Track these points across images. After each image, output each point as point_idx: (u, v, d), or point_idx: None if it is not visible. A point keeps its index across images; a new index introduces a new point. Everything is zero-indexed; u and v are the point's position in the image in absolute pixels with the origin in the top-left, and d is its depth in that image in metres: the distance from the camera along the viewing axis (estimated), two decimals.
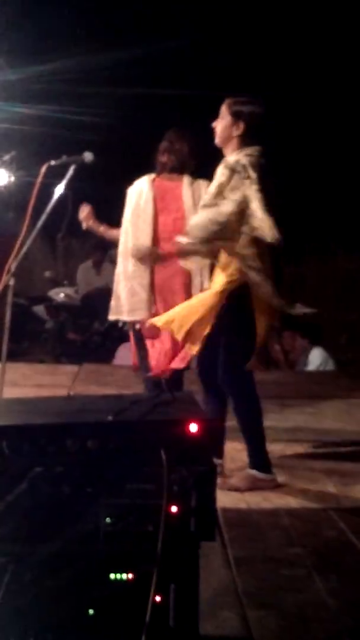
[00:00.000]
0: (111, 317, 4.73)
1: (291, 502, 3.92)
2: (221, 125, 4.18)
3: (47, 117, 9.01)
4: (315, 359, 8.92)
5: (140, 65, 8.27)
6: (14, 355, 7.19)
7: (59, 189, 4.54)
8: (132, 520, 2.16)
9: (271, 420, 5.53)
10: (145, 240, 4.55)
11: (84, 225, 4.90)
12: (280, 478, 4.20)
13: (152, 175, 4.71)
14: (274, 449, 4.69)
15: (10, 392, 4.38)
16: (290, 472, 4.35)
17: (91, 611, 2.18)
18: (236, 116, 4.13)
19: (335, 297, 12.01)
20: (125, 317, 4.65)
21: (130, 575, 2.18)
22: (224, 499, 3.76)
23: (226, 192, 3.98)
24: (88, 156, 4.60)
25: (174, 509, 2.15)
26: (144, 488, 2.15)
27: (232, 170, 4.01)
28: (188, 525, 2.16)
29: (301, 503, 3.91)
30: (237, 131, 4.12)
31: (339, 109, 10.13)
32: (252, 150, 4.09)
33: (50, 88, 9.24)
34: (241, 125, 4.11)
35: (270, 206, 3.94)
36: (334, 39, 8.57)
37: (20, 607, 2.15)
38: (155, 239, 4.56)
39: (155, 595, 2.10)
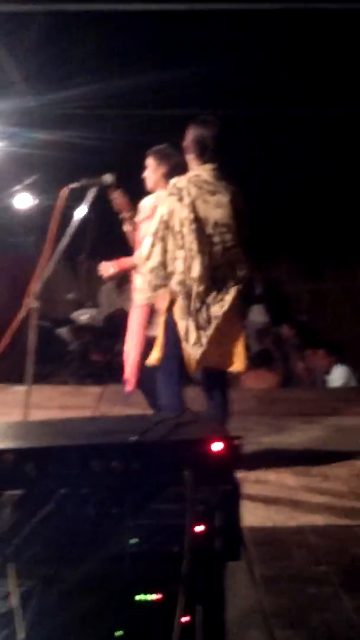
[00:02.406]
0: None
1: (317, 519, 3.90)
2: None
3: (68, 142, 9.10)
4: (338, 376, 8.89)
5: (156, 88, 8.35)
6: (39, 378, 7.23)
7: (80, 212, 4.58)
8: (157, 541, 2.16)
9: (295, 437, 5.54)
10: None
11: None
12: (305, 495, 4.20)
13: None
14: (298, 465, 4.69)
15: (35, 415, 4.41)
16: (316, 488, 4.34)
17: (118, 633, 2.19)
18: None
19: (357, 313, 11.98)
20: None
21: (156, 596, 2.18)
22: (250, 518, 3.75)
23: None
24: (108, 178, 4.66)
25: (198, 528, 2.15)
26: (168, 508, 2.16)
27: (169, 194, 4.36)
28: (213, 545, 2.16)
29: (327, 520, 3.89)
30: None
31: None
32: (200, 169, 4.41)
33: (70, 113, 9.34)
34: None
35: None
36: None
37: (48, 630, 2.16)
38: None
39: (181, 616, 2.10)
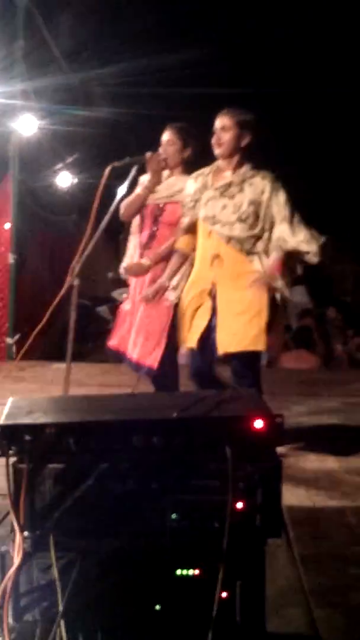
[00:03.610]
0: None
1: (357, 500, 3.87)
2: (228, 136, 4.27)
3: (108, 119, 9.08)
4: None
5: (199, 65, 8.28)
6: (79, 356, 7.25)
7: (122, 190, 4.56)
8: (198, 517, 2.16)
9: (335, 418, 5.50)
10: None
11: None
12: (345, 476, 4.18)
13: None
14: (338, 446, 4.66)
15: (75, 392, 4.43)
16: (356, 469, 4.31)
17: (158, 606, 2.20)
18: (242, 127, 4.26)
19: None
20: None
21: (196, 571, 2.19)
22: (289, 497, 3.73)
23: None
24: (150, 157, 4.62)
25: (239, 505, 2.15)
26: (209, 484, 2.16)
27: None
28: (254, 522, 2.16)
29: None
30: (244, 142, 4.27)
31: None
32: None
33: (111, 90, 9.31)
34: (247, 136, 4.26)
35: None
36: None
37: (88, 602, 2.17)
38: None
39: (221, 592, 2.10)
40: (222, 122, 4.28)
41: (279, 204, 4.21)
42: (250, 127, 4.26)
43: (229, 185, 4.27)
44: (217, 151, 4.31)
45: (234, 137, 4.25)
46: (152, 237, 4.75)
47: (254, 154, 4.32)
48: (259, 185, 4.24)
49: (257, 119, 4.31)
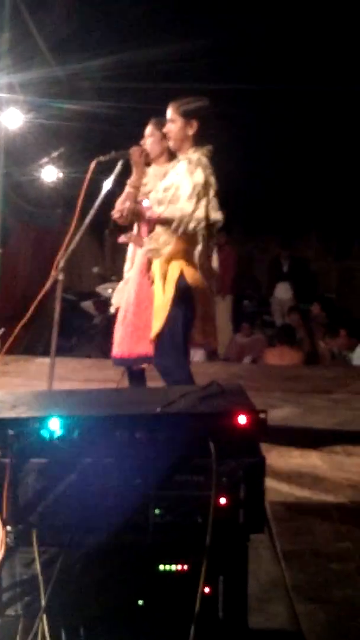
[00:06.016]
0: None
1: (340, 496, 3.89)
2: (175, 127, 4.23)
3: (94, 113, 9.05)
4: None
5: (186, 59, 8.27)
6: (63, 350, 7.24)
7: (107, 185, 4.55)
8: (181, 512, 2.16)
9: (319, 414, 5.52)
10: None
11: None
12: (328, 472, 4.19)
13: None
14: (323, 443, 4.67)
15: (59, 387, 4.41)
16: (339, 466, 4.32)
17: (140, 601, 2.20)
18: (187, 116, 4.20)
19: None
20: None
21: (179, 567, 2.19)
22: (272, 493, 3.74)
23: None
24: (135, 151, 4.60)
25: (222, 500, 2.15)
26: (192, 480, 2.16)
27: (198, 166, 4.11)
28: (237, 517, 2.16)
29: (350, 497, 3.88)
30: (191, 130, 4.20)
31: None
32: (207, 150, 4.20)
33: (97, 84, 9.28)
34: (194, 124, 4.19)
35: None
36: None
37: (70, 597, 2.17)
38: None
39: (204, 587, 2.10)
40: (169, 115, 4.26)
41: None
42: (195, 114, 4.20)
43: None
44: (169, 143, 4.31)
45: (180, 127, 4.22)
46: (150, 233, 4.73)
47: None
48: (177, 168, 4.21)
49: (205, 105, 4.25)
